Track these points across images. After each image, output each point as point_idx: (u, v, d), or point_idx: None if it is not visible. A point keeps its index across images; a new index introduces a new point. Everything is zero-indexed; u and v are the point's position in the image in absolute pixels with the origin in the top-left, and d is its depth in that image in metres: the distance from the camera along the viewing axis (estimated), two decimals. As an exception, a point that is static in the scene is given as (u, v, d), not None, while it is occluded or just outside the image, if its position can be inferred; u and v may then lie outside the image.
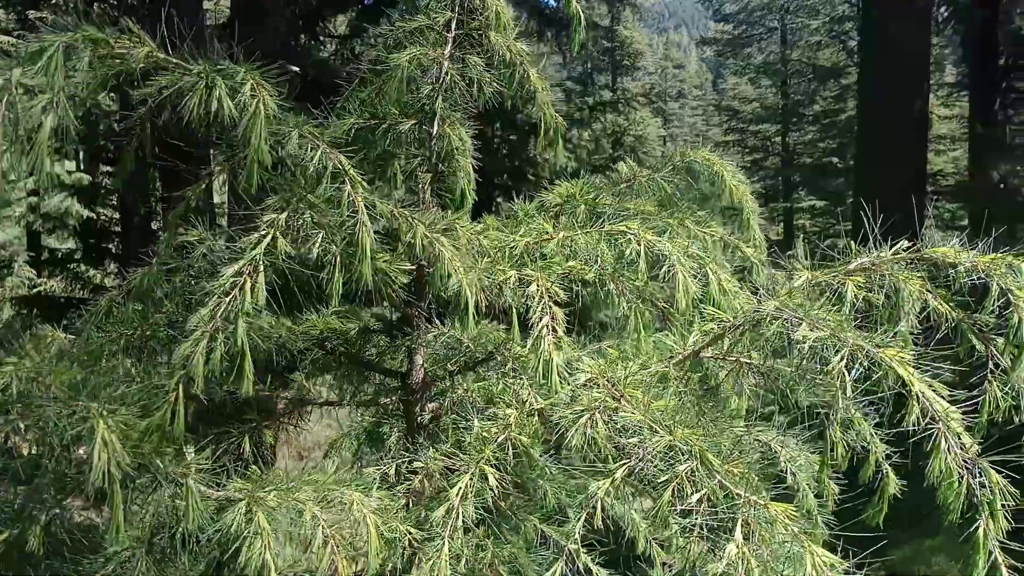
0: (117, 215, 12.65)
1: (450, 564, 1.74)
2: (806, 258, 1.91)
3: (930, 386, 1.64)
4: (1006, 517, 1.62)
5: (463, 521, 1.91)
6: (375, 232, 1.95)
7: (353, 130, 2.43)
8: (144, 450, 1.69)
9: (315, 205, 1.88)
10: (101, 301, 2.16)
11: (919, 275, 1.83)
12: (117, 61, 1.81)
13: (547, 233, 2.28)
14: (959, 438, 1.60)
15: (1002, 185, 12.16)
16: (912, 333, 1.85)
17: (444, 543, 1.69)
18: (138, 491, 1.80)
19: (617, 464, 1.76)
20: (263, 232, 1.80)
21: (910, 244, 1.87)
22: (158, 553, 1.85)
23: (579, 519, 1.75)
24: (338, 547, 1.68)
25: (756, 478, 1.75)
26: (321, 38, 12.01)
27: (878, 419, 1.85)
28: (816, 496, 2.27)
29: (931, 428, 1.61)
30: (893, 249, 1.86)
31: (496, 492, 1.84)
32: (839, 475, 2.06)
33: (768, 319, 1.78)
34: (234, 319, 1.69)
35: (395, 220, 1.97)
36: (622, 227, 2.16)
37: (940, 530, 7.01)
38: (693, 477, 1.66)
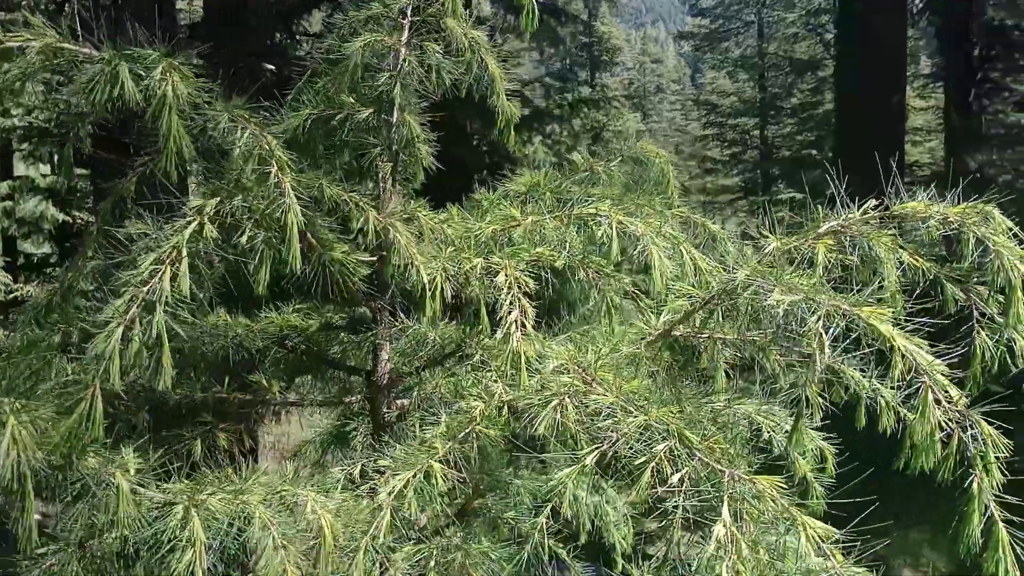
0: (93, 218, 12.45)
1: (414, 568, 1.66)
2: (772, 230, 1.85)
3: (911, 341, 1.59)
4: (1001, 470, 1.56)
5: (438, 522, 1.83)
6: (332, 222, 1.87)
7: (308, 121, 2.34)
8: (66, 449, 1.58)
9: (247, 190, 1.79)
10: (40, 296, 2.06)
11: (890, 232, 1.78)
12: (13, 56, 1.72)
13: (514, 219, 2.20)
14: (946, 391, 1.54)
15: (978, 175, 12.24)
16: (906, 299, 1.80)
17: (361, 549, 1.59)
18: (65, 492, 1.69)
19: (587, 449, 1.69)
20: (188, 219, 1.71)
21: (878, 203, 1.83)
22: (89, 559, 1.74)
23: (545, 509, 1.66)
24: (289, 556, 1.58)
25: (739, 452, 1.68)
26: (298, 37, 11.88)
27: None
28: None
29: (917, 382, 1.56)
30: (861, 209, 1.81)
31: (454, 491, 1.76)
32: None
33: (740, 288, 1.73)
34: (151, 309, 1.60)
35: (345, 206, 1.88)
36: (592, 209, 2.09)
37: (927, 522, 7.02)
38: (672, 456, 1.59)
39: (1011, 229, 1.78)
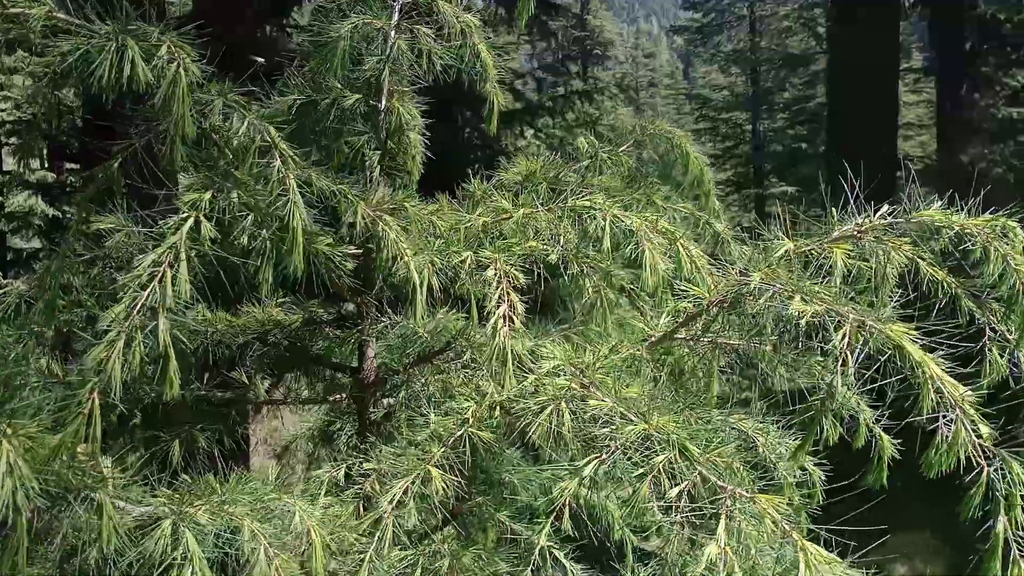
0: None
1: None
2: (782, 230, 1.75)
3: (941, 367, 1.49)
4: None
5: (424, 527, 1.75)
6: (316, 213, 1.78)
7: (295, 107, 2.24)
8: (54, 468, 1.47)
9: (243, 183, 1.68)
10: (10, 294, 1.95)
11: (908, 240, 1.69)
12: (13, 24, 1.60)
13: (506, 211, 2.11)
14: (976, 426, 1.45)
15: (971, 169, 12.22)
16: (897, 303, 1.70)
17: (365, 562, 1.51)
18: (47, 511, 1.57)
19: (585, 460, 1.61)
20: (184, 215, 1.61)
21: (891, 210, 1.73)
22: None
23: (547, 522, 1.60)
24: (280, 564, 1.49)
25: (742, 468, 1.60)
26: (288, 30, 11.75)
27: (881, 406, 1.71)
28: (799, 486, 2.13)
29: (945, 416, 1.46)
30: (878, 214, 1.71)
31: (448, 494, 1.68)
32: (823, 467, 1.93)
33: (753, 294, 1.62)
34: (154, 316, 1.49)
35: (334, 198, 1.79)
36: (586, 202, 1.99)
37: (919, 529, 7.00)
38: (672, 469, 1.51)
39: None
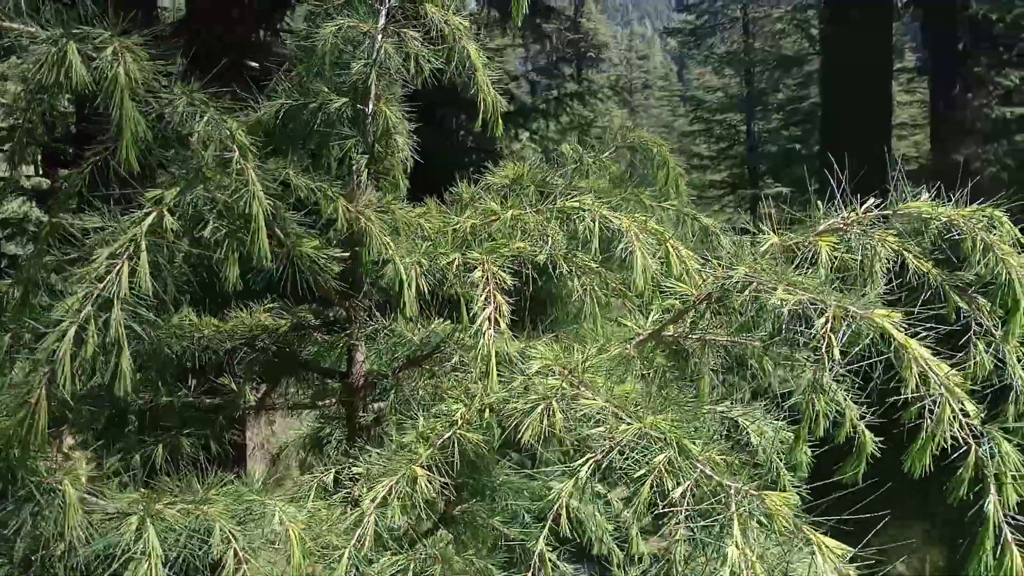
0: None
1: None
2: (771, 228, 1.75)
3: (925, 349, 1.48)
4: (1016, 490, 1.46)
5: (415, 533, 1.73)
6: (300, 216, 1.76)
7: (283, 112, 2.23)
8: (9, 457, 1.47)
9: (210, 179, 1.68)
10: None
11: (893, 232, 1.68)
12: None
13: (494, 213, 2.10)
14: (962, 405, 1.44)
15: (964, 168, 12.26)
16: (883, 299, 1.69)
17: (344, 558, 1.49)
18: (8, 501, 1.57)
19: (581, 460, 1.59)
20: (146, 210, 1.60)
21: (879, 202, 1.73)
22: (35, 572, 1.62)
23: (544, 526, 1.57)
24: (252, 569, 1.48)
25: (741, 464, 1.58)
26: (281, 35, 11.75)
27: (863, 391, 1.69)
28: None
29: (931, 396, 1.45)
30: (864, 206, 1.71)
31: (436, 496, 1.66)
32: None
33: (738, 287, 1.61)
34: (108, 307, 1.49)
35: (314, 196, 1.78)
36: (575, 203, 1.99)
37: (912, 526, 7.00)
38: (672, 468, 1.48)
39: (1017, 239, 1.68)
